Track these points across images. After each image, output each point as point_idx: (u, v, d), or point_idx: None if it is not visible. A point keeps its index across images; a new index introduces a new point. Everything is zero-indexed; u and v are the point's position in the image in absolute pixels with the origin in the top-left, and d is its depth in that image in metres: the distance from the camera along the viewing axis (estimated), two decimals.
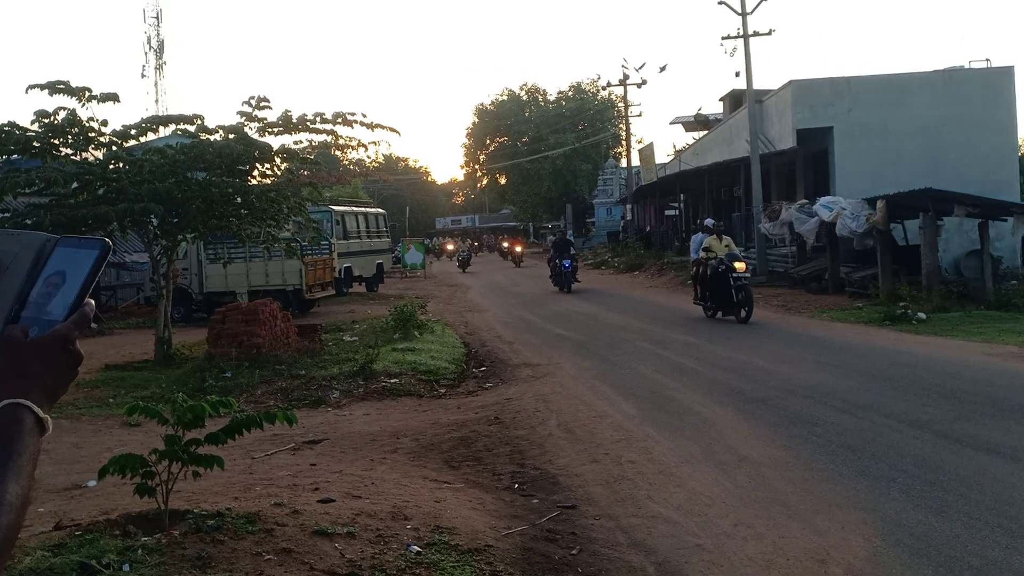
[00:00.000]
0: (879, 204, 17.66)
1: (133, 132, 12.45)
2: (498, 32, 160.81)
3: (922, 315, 14.46)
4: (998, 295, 16.33)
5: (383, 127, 13.09)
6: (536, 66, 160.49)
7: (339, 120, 12.67)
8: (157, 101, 72.63)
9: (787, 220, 21.25)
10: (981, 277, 17.20)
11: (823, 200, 19.98)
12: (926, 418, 7.58)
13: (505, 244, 53.36)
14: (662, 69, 65.97)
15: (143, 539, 4.39)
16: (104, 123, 12.22)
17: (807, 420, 7.76)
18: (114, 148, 12.49)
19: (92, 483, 6.29)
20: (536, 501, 5.89)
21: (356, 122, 12.71)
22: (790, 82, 25.04)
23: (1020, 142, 28.61)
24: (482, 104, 66.75)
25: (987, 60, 25.73)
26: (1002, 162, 23.06)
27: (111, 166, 12.43)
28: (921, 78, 24.61)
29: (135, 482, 4.64)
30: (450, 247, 59.57)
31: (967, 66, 25.70)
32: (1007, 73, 23.96)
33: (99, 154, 12.56)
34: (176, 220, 13.03)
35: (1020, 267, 20.35)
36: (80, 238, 1.21)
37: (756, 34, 25.50)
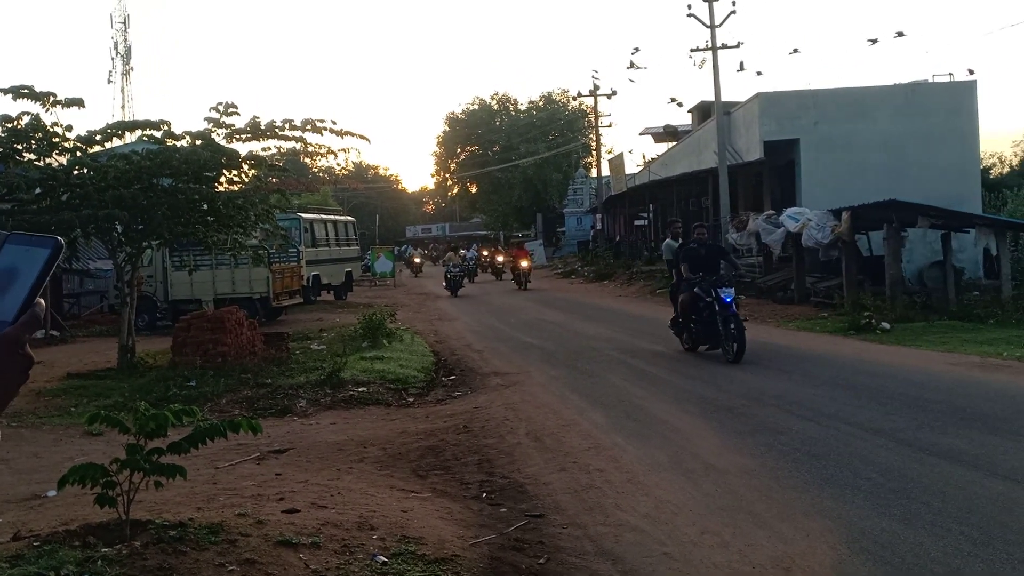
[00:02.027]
0: (844, 215, 17.85)
1: (98, 138, 12.30)
2: (469, 41, 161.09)
3: (886, 325, 14.62)
4: (960, 306, 16.54)
5: (353, 134, 13.03)
6: (507, 75, 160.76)
7: (308, 127, 12.59)
8: (123, 107, 72.01)
9: (754, 230, 21.41)
10: (944, 288, 17.43)
11: (789, 211, 20.16)
12: (890, 427, 7.64)
13: (500, 257, 40.33)
14: (632, 80, 66.38)
15: (103, 550, 4.31)
16: (69, 128, 12.06)
17: (773, 428, 7.80)
18: (79, 154, 12.31)
19: (52, 493, 6.18)
20: (504, 510, 5.87)
21: (326, 129, 12.64)
22: (757, 94, 25.30)
23: (982, 155, 29.07)
24: (453, 113, 66.77)
25: (950, 74, 26.20)
26: (964, 174, 23.43)
27: (75, 172, 12.25)
28: (885, 92, 24.98)
29: (96, 492, 4.56)
30: (417, 260, 48.81)
31: (930, 80, 26.12)
32: (969, 87, 24.38)
33: (63, 160, 12.38)
34: (141, 227, 12.87)
35: (982, 278, 20.64)
36: (32, 235, 1.17)
37: (724, 47, 25.75)
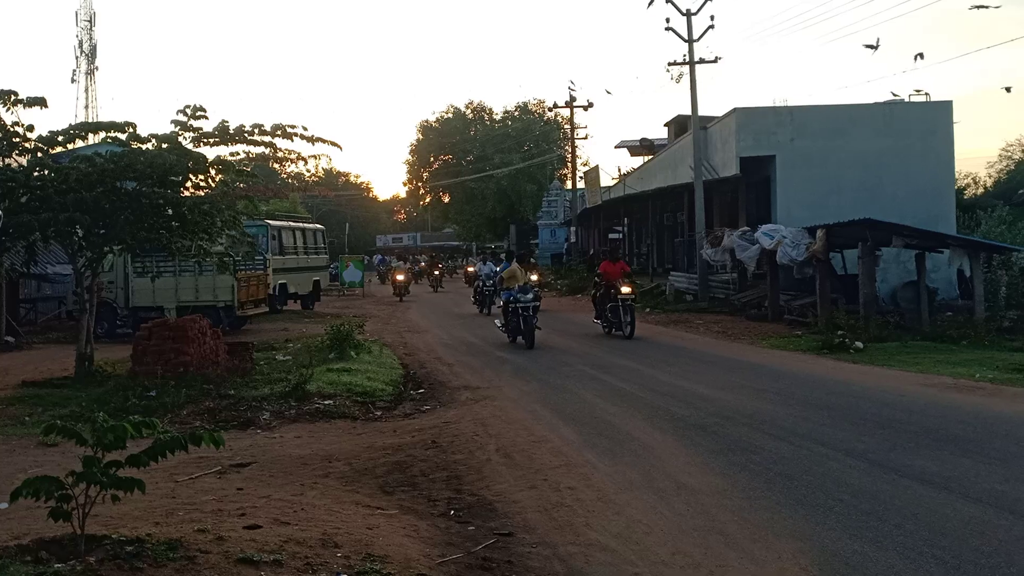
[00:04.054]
0: (819, 233, 17.96)
1: (60, 139, 12.14)
2: (444, 49, 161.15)
3: (859, 344, 14.68)
4: (934, 326, 16.68)
5: (324, 141, 12.92)
6: (482, 84, 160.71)
7: (279, 132, 12.46)
8: (87, 107, 71.39)
9: (729, 247, 21.51)
10: (917, 308, 17.57)
11: (764, 228, 20.29)
12: (863, 447, 7.65)
13: (534, 276, 23.44)
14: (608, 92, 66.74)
15: (56, 566, 4.22)
16: (30, 128, 11.91)
17: (745, 448, 7.79)
18: (39, 155, 12.12)
19: (3, 506, 5.99)
20: (472, 528, 5.81)
21: (296, 135, 12.51)
22: (734, 110, 25.44)
23: (956, 175, 29.34)
24: (426, 121, 66.63)
25: (927, 95, 26.46)
26: (939, 195, 23.69)
27: (35, 173, 12.08)
28: (862, 110, 25.22)
29: (49, 505, 4.44)
30: (400, 277, 35.83)
31: (907, 100, 26.39)
32: (945, 107, 24.68)
33: (23, 161, 12.17)
34: (103, 231, 12.68)
35: (956, 299, 20.83)
36: None
37: (702, 61, 25.91)
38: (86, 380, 12.48)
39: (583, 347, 16.63)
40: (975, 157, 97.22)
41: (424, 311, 28.08)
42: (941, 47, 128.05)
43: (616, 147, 51.94)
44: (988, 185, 49.43)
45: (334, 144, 13.18)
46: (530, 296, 16.76)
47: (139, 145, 12.43)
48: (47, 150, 12.22)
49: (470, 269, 42.87)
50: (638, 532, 5.58)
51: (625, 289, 17.60)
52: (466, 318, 24.18)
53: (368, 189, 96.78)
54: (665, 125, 38.39)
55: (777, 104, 26.42)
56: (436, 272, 42.83)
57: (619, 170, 51.08)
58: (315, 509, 5.99)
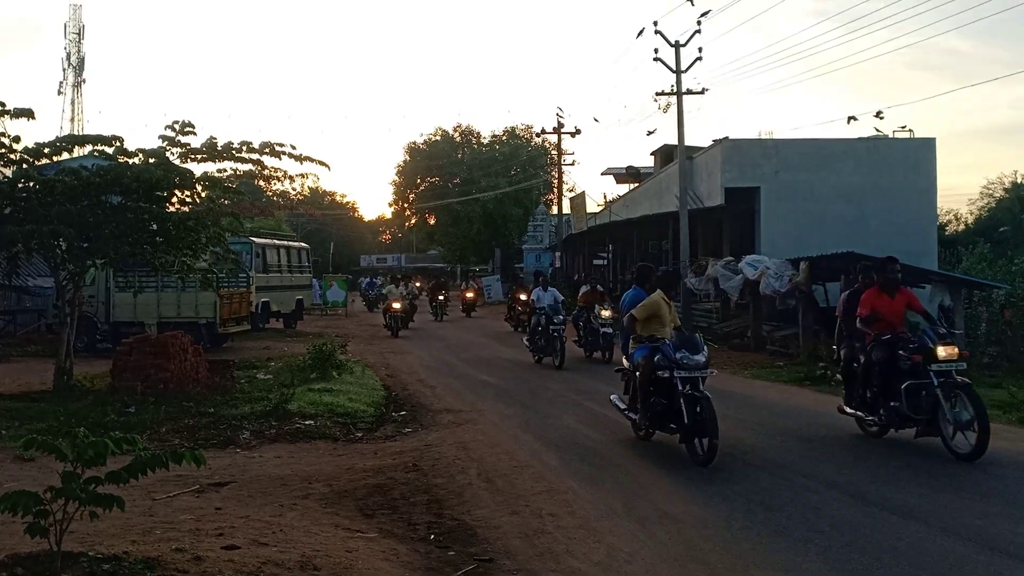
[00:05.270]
0: (802, 265, 18.07)
1: (47, 151, 12.04)
2: (434, 73, 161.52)
3: (840, 377, 14.69)
4: None
5: (313, 160, 12.87)
6: (471, 108, 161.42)
7: (267, 150, 12.43)
8: (74, 119, 71.20)
9: (712, 276, 21.61)
10: None
11: (748, 258, 20.39)
12: (843, 479, 7.67)
13: (606, 312, 18.67)
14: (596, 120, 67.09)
15: None
16: (16, 139, 11.84)
17: (727, 478, 7.78)
18: (25, 166, 12.03)
19: None
20: (452, 553, 5.77)
21: (285, 153, 12.48)
22: (720, 141, 25.67)
23: (938, 212, 29.69)
24: (414, 143, 66.70)
25: (910, 131, 26.82)
26: (921, 230, 23.97)
27: (20, 185, 11.97)
28: (846, 145, 25.55)
29: (26, 521, 4.37)
30: (396, 305, 27.06)
31: (891, 136, 26.76)
32: (928, 144, 25.05)
33: (8, 172, 12.09)
34: (86, 245, 12.55)
35: None
36: None
37: (690, 92, 26.15)
38: (64, 394, 12.32)
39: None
40: (957, 194, 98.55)
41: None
42: (925, 85, 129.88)
43: (602, 174, 52.21)
44: (969, 222, 50.08)
45: (322, 163, 13.14)
46: (701, 359, 8.96)
47: (126, 159, 12.38)
48: (33, 162, 12.16)
49: (468, 295, 38.33)
50: (619, 560, 5.55)
51: (944, 351, 8.84)
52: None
53: (354, 209, 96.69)
54: (652, 154, 38.66)
55: (762, 136, 26.75)
56: (441, 297, 34.63)
57: (605, 197, 51.31)
58: (294, 531, 5.94)
